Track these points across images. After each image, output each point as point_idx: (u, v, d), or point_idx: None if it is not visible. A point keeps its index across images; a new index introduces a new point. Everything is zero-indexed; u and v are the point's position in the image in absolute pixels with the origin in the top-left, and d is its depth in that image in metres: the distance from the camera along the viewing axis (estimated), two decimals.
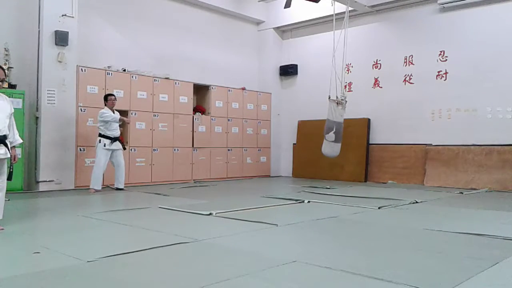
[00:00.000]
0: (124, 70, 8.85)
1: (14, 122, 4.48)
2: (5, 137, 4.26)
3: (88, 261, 3.08)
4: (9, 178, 4.35)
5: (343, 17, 8.91)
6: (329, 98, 8.85)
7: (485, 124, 8.76)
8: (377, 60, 10.32)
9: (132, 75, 8.86)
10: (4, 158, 4.27)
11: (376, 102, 10.19)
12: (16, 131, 4.50)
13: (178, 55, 10.22)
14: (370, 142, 10.27)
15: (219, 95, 10.51)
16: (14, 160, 4.44)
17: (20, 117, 7.42)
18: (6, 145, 4.25)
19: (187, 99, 9.76)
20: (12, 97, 7.28)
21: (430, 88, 9.49)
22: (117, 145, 7.65)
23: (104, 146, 7.47)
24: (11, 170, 4.35)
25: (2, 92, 4.45)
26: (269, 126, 11.77)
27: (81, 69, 8.11)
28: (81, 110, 8.09)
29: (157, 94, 9.24)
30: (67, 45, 7.81)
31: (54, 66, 7.73)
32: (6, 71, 4.29)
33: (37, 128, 7.71)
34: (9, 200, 6.32)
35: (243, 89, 11.20)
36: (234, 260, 3.23)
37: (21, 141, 4.61)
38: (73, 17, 7.92)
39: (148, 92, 9.10)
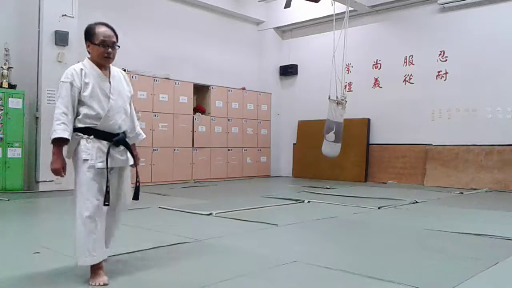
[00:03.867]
0: (124, 70, 8.83)
1: (133, 110, 3.07)
2: (125, 135, 2.87)
3: None
4: (135, 196, 2.93)
5: (343, 17, 8.91)
6: (329, 98, 8.86)
7: (485, 124, 8.76)
8: (377, 60, 10.32)
9: (132, 75, 8.86)
10: (124, 167, 2.91)
11: (376, 102, 10.19)
12: (136, 122, 3.11)
13: (178, 55, 10.22)
14: (370, 142, 10.27)
15: (219, 95, 10.51)
16: (137, 162, 3.06)
17: (20, 117, 7.44)
18: (128, 147, 2.88)
19: (187, 99, 9.76)
20: (12, 97, 7.32)
21: (430, 88, 9.48)
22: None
23: None
24: (137, 184, 2.92)
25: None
26: (269, 126, 11.76)
27: None
28: None
29: (157, 94, 9.24)
30: (67, 45, 7.81)
31: (54, 66, 7.72)
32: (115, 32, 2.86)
33: (37, 128, 7.70)
34: (9, 200, 6.34)
35: (243, 89, 11.19)
36: (234, 260, 3.23)
37: (145, 135, 3.23)
38: (73, 17, 7.92)
39: (148, 92, 9.10)
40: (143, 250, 3.44)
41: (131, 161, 2.92)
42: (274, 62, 12.01)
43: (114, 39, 2.83)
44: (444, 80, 9.35)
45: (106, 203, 2.67)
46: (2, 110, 7.22)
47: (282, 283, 2.72)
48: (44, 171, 7.61)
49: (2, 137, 7.21)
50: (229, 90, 10.77)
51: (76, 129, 2.69)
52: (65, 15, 7.80)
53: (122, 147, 2.83)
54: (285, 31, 12.12)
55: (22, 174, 7.41)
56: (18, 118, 7.38)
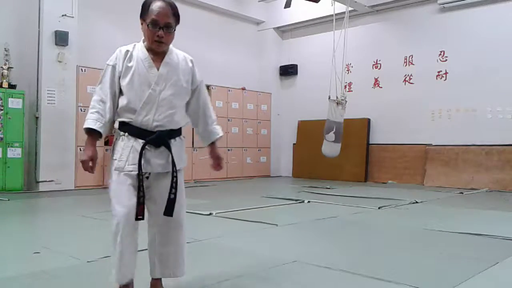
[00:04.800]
0: None
1: (205, 101, 2.69)
2: (171, 133, 2.36)
3: (88, 261, 3.08)
4: (168, 211, 2.34)
5: (343, 17, 8.91)
6: (329, 98, 8.85)
7: (485, 124, 8.76)
8: (377, 60, 10.32)
9: None
10: (163, 173, 2.35)
11: (376, 102, 10.19)
12: (212, 116, 2.75)
13: None
14: (370, 142, 10.27)
15: (219, 95, 10.51)
16: (218, 165, 2.74)
17: (20, 117, 7.44)
18: (169, 148, 2.33)
19: None
20: (12, 97, 7.32)
21: (430, 88, 9.48)
22: None
23: None
24: (172, 195, 2.30)
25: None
26: (269, 126, 11.76)
27: (81, 69, 8.11)
28: (81, 110, 8.08)
29: None
30: (67, 45, 7.81)
31: (54, 66, 7.73)
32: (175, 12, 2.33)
33: (37, 128, 7.70)
34: (9, 200, 6.34)
35: (243, 89, 11.19)
36: (234, 260, 3.23)
37: (221, 133, 2.85)
38: (73, 17, 7.92)
39: None
40: (143, 250, 3.43)
41: (169, 167, 2.31)
42: (274, 62, 12.01)
43: (170, 20, 2.27)
44: (444, 80, 9.35)
45: (139, 217, 2.27)
46: (2, 110, 7.22)
47: (282, 283, 2.71)
48: (44, 171, 7.61)
49: (2, 137, 7.21)
50: (229, 90, 10.77)
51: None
52: (65, 15, 7.80)
53: (163, 148, 2.30)
54: (285, 31, 12.12)
55: (22, 174, 7.41)
56: (18, 118, 7.38)
